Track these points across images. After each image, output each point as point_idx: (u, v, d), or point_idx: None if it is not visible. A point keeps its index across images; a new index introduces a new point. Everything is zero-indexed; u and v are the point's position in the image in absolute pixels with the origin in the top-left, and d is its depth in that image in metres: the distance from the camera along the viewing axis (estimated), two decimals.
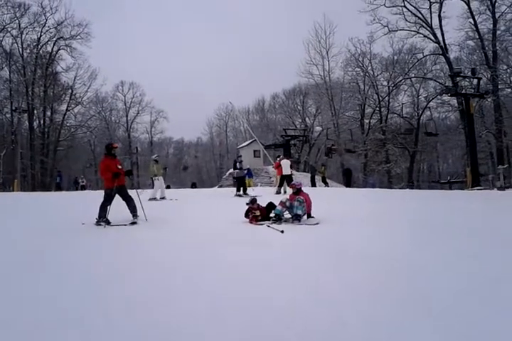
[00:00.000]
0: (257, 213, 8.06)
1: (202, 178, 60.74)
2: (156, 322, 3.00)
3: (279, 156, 19.60)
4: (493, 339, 2.71)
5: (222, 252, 5.24)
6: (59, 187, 29.29)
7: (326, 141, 40.64)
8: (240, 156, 18.15)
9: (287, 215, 8.07)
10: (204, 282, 3.94)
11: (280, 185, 16.15)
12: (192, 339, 2.76)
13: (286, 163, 16.47)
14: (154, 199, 13.39)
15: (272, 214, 7.97)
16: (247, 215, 8.18)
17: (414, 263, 4.60)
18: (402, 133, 39.16)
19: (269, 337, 2.76)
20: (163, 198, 13.83)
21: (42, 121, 43.52)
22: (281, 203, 7.85)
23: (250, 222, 7.96)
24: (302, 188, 8.29)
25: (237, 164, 16.10)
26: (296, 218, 7.71)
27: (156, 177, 14.17)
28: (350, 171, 29.42)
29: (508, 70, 33.09)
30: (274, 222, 7.65)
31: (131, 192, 8.50)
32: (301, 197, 7.86)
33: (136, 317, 3.13)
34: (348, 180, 27.82)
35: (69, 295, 3.66)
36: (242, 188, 15.54)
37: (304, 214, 7.83)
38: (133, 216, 8.18)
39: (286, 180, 15.99)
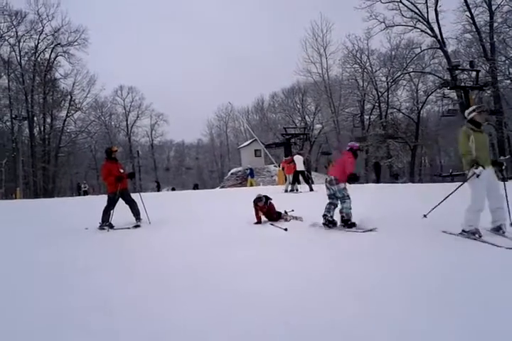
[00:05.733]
0: (260, 213, 7.71)
1: (203, 179, 60.79)
2: (160, 320, 3.00)
3: (287, 155, 19.35)
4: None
5: (227, 251, 5.24)
6: (86, 193, 30.67)
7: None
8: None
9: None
10: (208, 280, 3.95)
11: (294, 182, 15.64)
12: (196, 335, 2.77)
13: (299, 159, 16.01)
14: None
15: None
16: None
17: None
18: None
19: (270, 334, 2.75)
20: None
21: (42, 128, 43.73)
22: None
23: (257, 219, 7.69)
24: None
25: None
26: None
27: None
28: (380, 165, 28.00)
29: (507, 62, 33.00)
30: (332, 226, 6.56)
31: (134, 196, 8.51)
32: None
33: (141, 315, 3.16)
34: (377, 174, 26.43)
35: (71, 295, 3.68)
36: None
37: None
38: (136, 219, 8.19)
39: (302, 175, 15.83)
